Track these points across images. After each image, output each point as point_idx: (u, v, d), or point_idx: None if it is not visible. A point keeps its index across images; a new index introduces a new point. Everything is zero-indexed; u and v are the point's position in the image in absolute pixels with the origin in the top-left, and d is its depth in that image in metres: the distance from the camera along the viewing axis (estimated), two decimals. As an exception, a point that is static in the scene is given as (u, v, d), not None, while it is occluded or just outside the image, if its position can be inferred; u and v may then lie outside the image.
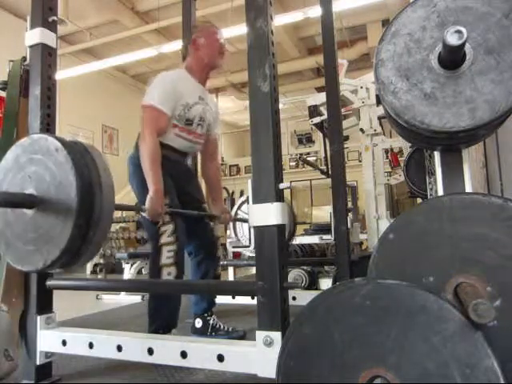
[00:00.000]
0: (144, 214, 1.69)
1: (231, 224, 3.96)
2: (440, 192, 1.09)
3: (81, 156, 1.16)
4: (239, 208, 3.87)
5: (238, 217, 3.69)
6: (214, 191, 2.17)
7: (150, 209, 1.66)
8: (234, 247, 4.10)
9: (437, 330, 0.74)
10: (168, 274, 1.76)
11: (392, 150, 4.62)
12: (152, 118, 1.76)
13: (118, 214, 7.32)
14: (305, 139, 9.84)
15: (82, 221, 1.11)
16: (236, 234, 3.95)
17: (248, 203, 1.19)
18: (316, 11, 4.82)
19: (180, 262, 1.81)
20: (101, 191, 1.15)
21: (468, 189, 1.06)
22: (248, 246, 3.67)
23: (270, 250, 1.13)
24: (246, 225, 3.81)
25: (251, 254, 3.79)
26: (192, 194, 2.05)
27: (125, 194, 6.61)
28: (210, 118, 2.05)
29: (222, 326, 2.03)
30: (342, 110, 2.66)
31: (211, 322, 2.03)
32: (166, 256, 1.77)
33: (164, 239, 1.78)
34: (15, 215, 1.19)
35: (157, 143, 1.74)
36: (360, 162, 5.57)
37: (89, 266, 7.52)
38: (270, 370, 1.06)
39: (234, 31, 5.66)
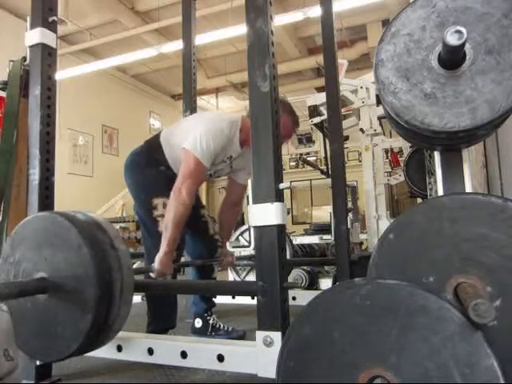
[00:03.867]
0: (152, 274, 1.68)
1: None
2: (440, 192, 1.09)
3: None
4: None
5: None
6: (224, 234, 2.18)
7: (159, 271, 1.65)
8: (233, 247, 4.09)
9: (437, 330, 0.74)
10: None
11: (392, 150, 4.62)
12: (198, 171, 1.72)
13: (117, 213, 7.31)
14: (305, 139, 9.81)
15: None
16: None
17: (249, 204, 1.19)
18: (316, 11, 4.81)
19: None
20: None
21: (468, 189, 1.06)
22: (248, 246, 3.65)
23: (270, 249, 1.13)
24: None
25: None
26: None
27: (125, 194, 6.61)
28: (238, 165, 2.01)
29: (221, 326, 2.04)
30: (342, 110, 2.66)
31: (211, 321, 2.03)
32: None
33: None
34: None
35: (190, 206, 1.69)
36: (360, 162, 5.57)
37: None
38: (270, 370, 1.06)
39: (234, 31, 5.66)
